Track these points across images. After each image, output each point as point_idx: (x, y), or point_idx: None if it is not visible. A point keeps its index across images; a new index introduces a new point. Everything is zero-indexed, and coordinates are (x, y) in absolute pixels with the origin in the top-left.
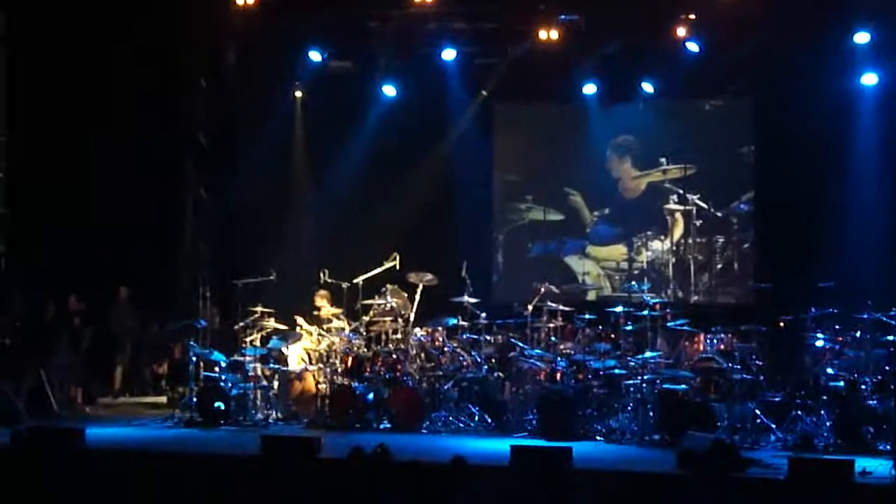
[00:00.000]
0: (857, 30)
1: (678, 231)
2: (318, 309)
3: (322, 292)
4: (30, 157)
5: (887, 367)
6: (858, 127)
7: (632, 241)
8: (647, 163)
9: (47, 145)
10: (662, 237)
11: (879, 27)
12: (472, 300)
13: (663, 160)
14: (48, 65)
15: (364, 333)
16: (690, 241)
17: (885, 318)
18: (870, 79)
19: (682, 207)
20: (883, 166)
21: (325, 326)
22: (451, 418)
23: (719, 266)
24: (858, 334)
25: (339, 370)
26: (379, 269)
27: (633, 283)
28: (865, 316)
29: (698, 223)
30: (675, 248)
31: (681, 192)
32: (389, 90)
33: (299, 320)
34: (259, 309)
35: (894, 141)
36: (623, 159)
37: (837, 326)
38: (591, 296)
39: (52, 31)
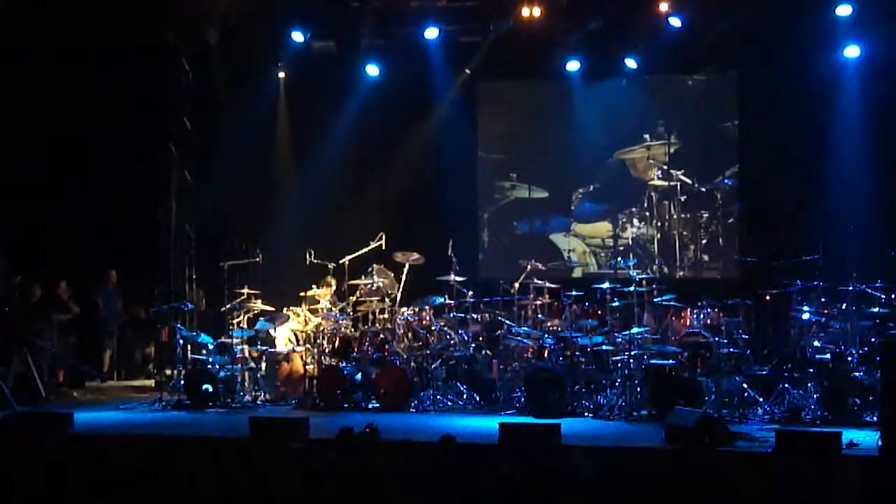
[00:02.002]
0: (838, 2)
1: (663, 207)
2: (303, 289)
3: (328, 279)
4: (12, 140)
5: (873, 339)
6: (841, 99)
7: (617, 217)
8: (631, 139)
9: (29, 129)
10: (647, 213)
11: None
12: (459, 279)
13: (647, 136)
14: (27, 46)
15: (351, 313)
16: (675, 216)
17: (869, 290)
18: (852, 51)
19: (666, 183)
20: (866, 138)
21: (311, 306)
22: (439, 397)
23: (704, 241)
24: (844, 306)
25: (327, 351)
26: (365, 249)
27: (619, 258)
28: (850, 288)
29: (682, 199)
30: (659, 223)
31: (665, 167)
32: (373, 70)
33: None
34: (245, 291)
35: (877, 113)
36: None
37: (823, 299)
38: (578, 273)
39: (33, 12)
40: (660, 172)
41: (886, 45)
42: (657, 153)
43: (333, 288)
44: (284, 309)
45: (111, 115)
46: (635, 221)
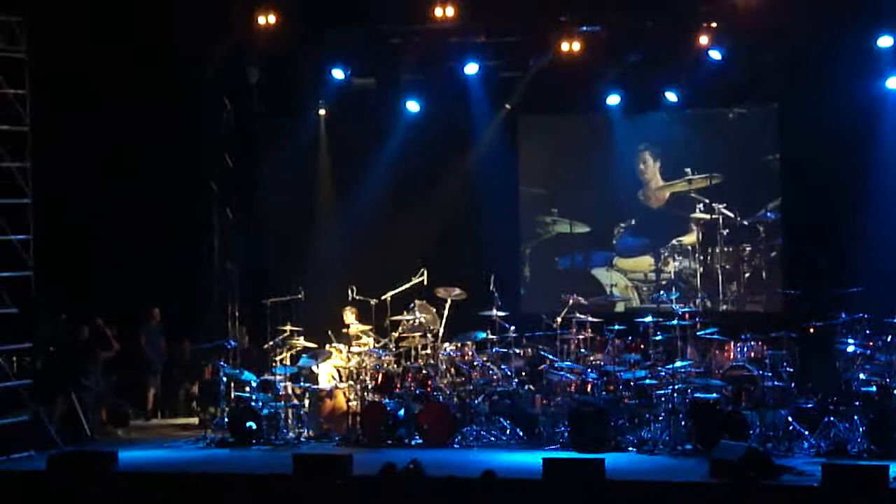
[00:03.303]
0: (880, 34)
1: (705, 241)
2: (347, 326)
3: (350, 308)
4: (57, 180)
5: None
6: (884, 130)
7: (659, 251)
8: (673, 172)
9: (74, 169)
10: (690, 247)
11: None
12: (501, 314)
13: (688, 170)
14: (73, 88)
15: (393, 349)
16: (717, 250)
17: None
18: (894, 82)
19: (708, 217)
20: None
21: (354, 343)
22: (482, 432)
23: (747, 274)
24: (889, 338)
25: (370, 387)
26: (407, 285)
27: (662, 292)
28: (895, 320)
29: (725, 232)
30: (702, 257)
31: (707, 201)
32: (413, 106)
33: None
34: (288, 327)
35: None
36: (650, 165)
37: (868, 331)
38: (620, 307)
39: (77, 52)
40: (702, 206)
41: None
42: (699, 186)
43: (356, 312)
44: (327, 345)
45: (153, 153)
46: (677, 255)
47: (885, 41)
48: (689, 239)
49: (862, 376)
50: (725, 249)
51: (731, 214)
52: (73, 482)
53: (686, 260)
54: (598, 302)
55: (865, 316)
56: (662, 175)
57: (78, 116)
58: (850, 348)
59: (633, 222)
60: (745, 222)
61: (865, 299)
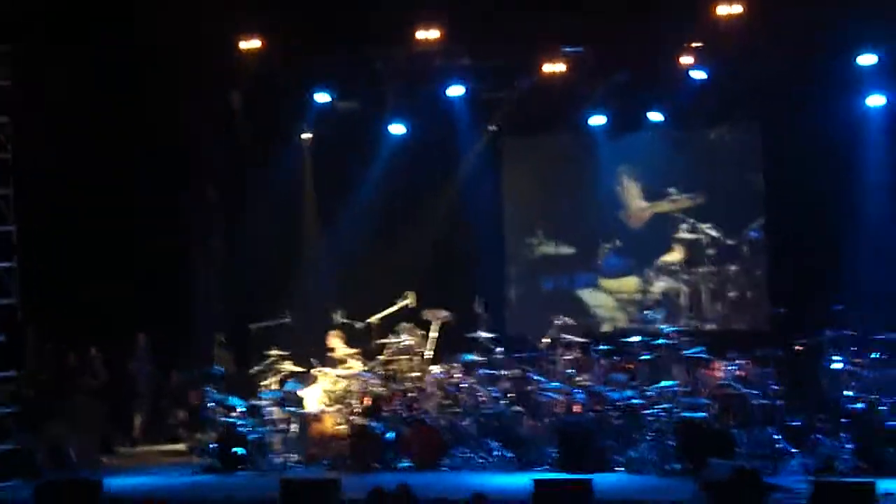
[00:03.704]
0: (861, 51)
1: (690, 260)
2: (333, 350)
3: (335, 332)
4: (41, 208)
5: None
6: (867, 148)
7: (644, 271)
8: (656, 192)
9: (58, 197)
10: (674, 267)
11: (884, 48)
12: (488, 335)
13: (672, 190)
14: (56, 115)
15: (381, 372)
16: (703, 269)
17: None
18: (876, 100)
19: (693, 236)
20: (891, 186)
21: (340, 367)
22: (471, 454)
23: (732, 293)
24: (876, 355)
25: (357, 410)
26: (393, 308)
27: (648, 312)
28: (882, 337)
29: (710, 251)
30: (687, 277)
31: (691, 221)
32: (397, 128)
33: (314, 362)
34: (274, 352)
35: None
36: (632, 185)
37: (854, 348)
38: (607, 327)
39: (60, 79)
40: (686, 225)
41: None
42: (683, 206)
43: (342, 336)
44: (313, 369)
45: (137, 181)
46: (663, 275)
47: (865, 59)
48: (674, 258)
49: (849, 393)
50: (710, 269)
51: (716, 234)
52: None
53: (671, 279)
54: (585, 322)
55: (851, 333)
56: (644, 195)
57: (61, 144)
58: (837, 365)
59: (618, 243)
60: (730, 241)
61: (851, 316)
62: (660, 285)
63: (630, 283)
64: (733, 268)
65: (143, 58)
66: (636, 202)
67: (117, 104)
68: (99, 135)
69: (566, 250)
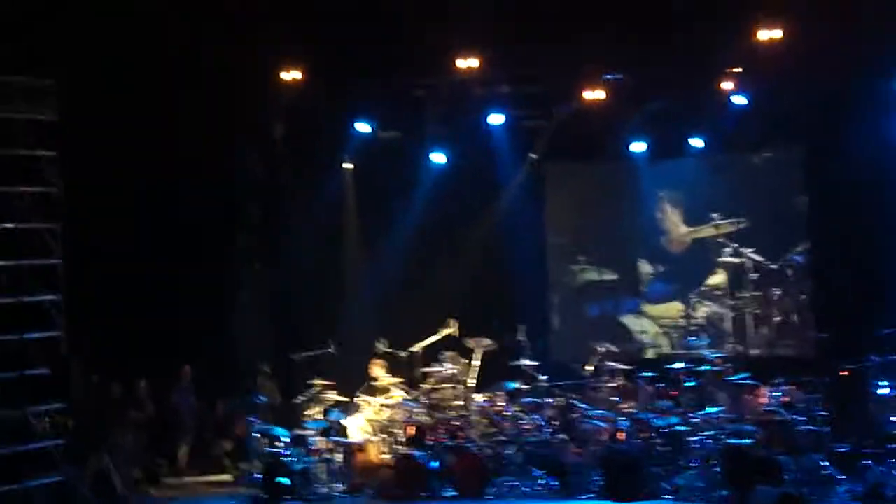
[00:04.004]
0: None
1: (734, 285)
2: (375, 379)
3: (378, 361)
4: (87, 241)
5: None
6: None
7: (688, 297)
8: (699, 218)
9: (104, 229)
10: (719, 292)
11: None
12: (531, 363)
13: (715, 215)
14: (103, 149)
15: (425, 401)
16: (747, 294)
17: None
18: None
19: (737, 261)
20: None
21: (382, 395)
22: (515, 483)
23: (777, 318)
24: None
25: (401, 439)
26: (436, 336)
27: (692, 338)
28: None
29: (754, 276)
30: (731, 302)
31: (735, 245)
32: (439, 157)
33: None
34: (318, 381)
35: None
36: (674, 211)
37: None
38: (650, 354)
39: (107, 112)
40: (730, 250)
41: None
42: (726, 231)
43: (385, 365)
44: (355, 398)
45: (181, 212)
46: (707, 300)
47: None
48: (718, 283)
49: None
50: (755, 294)
51: (760, 258)
52: None
53: (715, 305)
54: (629, 349)
55: None
56: (687, 220)
57: (108, 176)
58: (884, 391)
59: (662, 269)
60: (774, 266)
61: None
62: (703, 311)
63: (674, 308)
64: (777, 292)
65: (187, 88)
66: (678, 228)
67: (163, 136)
68: (144, 167)
69: (609, 276)
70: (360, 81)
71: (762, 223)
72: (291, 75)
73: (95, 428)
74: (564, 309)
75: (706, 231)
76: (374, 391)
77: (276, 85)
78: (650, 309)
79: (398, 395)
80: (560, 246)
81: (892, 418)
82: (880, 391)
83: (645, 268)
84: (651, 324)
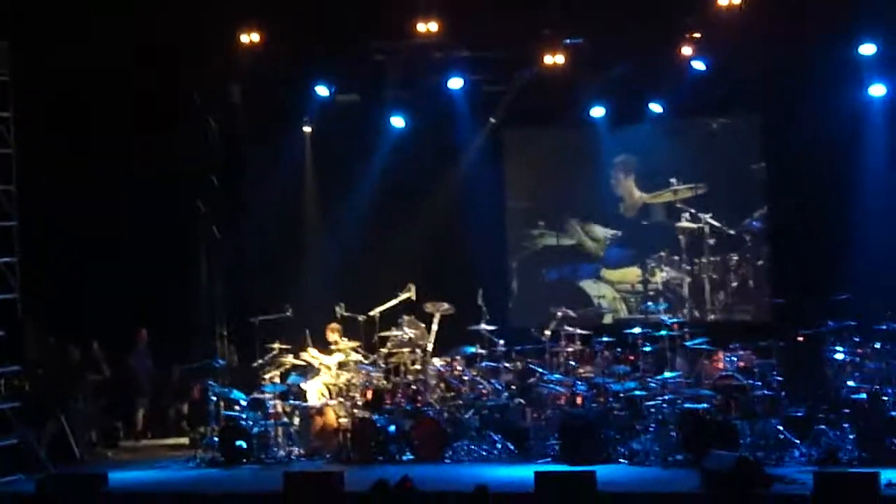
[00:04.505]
0: (862, 41)
1: (692, 250)
2: (332, 343)
3: (333, 325)
4: (42, 203)
5: None
6: (868, 138)
7: (645, 262)
8: (658, 183)
9: (59, 192)
10: (676, 257)
11: (885, 37)
12: (489, 328)
13: (674, 180)
14: (59, 110)
15: (383, 366)
16: (704, 259)
17: None
18: (878, 90)
19: (694, 226)
20: (892, 175)
21: (342, 360)
22: (473, 447)
23: (734, 284)
24: (878, 345)
25: (360, 403)
26: (395, 301)
27: (650, 303)
28: (884, 327)
29: (711, 242)
30: (689, 267)
31: (693, 211)
32: (398, 121)
33: (313, 353)
34: (277, 346)
35: None
36: (627, 177)
37: (856, 339)
38: (608, 319)
39: (63, 74)
40: (688, 216)
41: None
42: (684, 196)
43: (340, 330)
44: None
45: (139, 175)
46: (664, 266)
47: (867, 48)
48: (676, 249)
49: (851, 384)
50: (712, 259)
51: (718, 224)
52: (63, 503)
53: (673, 270)
54: (587, 314)
55: (853, 323)
56: (642, 186)
57: (62, 137)
58: (839, 356)
59: (620, 234)
60: (732, 231)
61: (853, 307)
62: (661, 276)
63: (632, 273)
64: (735, 258)
65: (143, 51)
66: (632, 195)
67: (118, 97)
68: (100, 129)
69: (568, 241)
70: (318, 45)
71: (720, 189)
72: (251, 38)
73: (52, 391)
74: (523, 273)
75: (664, 196)
76: (331, 353)
77: (234, 48)
78: (608, 274)
79: (356, 358)
80: (519, 211)
81: (846, 383)
82: (836, 356)
83: (603, 232)
84: (609, 289)
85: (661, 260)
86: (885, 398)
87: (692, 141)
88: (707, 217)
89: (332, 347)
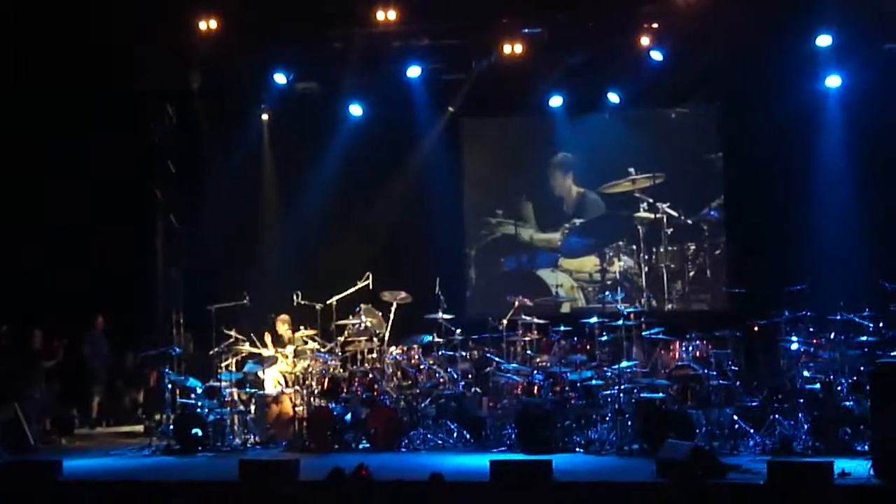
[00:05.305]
0: (819, 32)
1: (650, 240)
2: (282, 335)
3: (283, 317)
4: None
5: (862, 368)
6: (824, 129)
7: (604, 251)
8: (614, 173)
9: (14, 178)
10: (634, 247)
11: (841, 29)
12: (447, 316)
13: (632, 169)
14: (10, 97)
15: (340, 354)
16: (662, 249)
17: (857, 319)
18: (833, 81)
19: (652, 216)
20: (849, 167)
21: (299, 348)
22: (429, 436)
23: (692, 273)
24: (832, 336)
25: (316, 392)
26: (352, 289)
27: (607, 293)
28: (838, 317)
29: (669, 231)
30: (647, 256)
31: (651, 200)
32: (356, 109)
33: (267, 339)
34: (233, 333)
35: (859, 141)
36: (566, 176)
37: (811, 329)
38: (566, 308)
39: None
40: (646, 205)
41: (867, 74)
42: (642, 186)
43: (289, 321)
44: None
45: (95, 162)
46: (622, 255)
47: (823, 40)
48: (634, 238)
49: (806, 373)
50: (670, 248)
51: (675, 213)
52: (17, 492)
53: (630, 259)
54: (545, 303)
55: (809, 314)
56: (578, 182)
57: (19, 122)
58: (794, 346)
59: (578, 223)
60: (689, 221)
61: (809, 297)
62: (619, 265)
63: (589, 262)
64: (693, 247)
65: (102, 39)
66: (570, 193)
67: (74, 84)
68: (55, 116)
69: (526, 230)
70: (277, 32)
71: (678, 178)
72: (208, 24)
73: (5, 378)
74: (481, 262)
75: (623, 186)
76: (282, 345)
77: (192, 35)
78: (566, 263)
79: (313, 347)
80: (477, 199)
81: (801, 373)
82: (791, 346)
83: (561, 222)
84: (567, 278)
85: (618, 249)
86: (839, 388)
87: (651, 130)
88: (665, 206)
89: (283, 340)
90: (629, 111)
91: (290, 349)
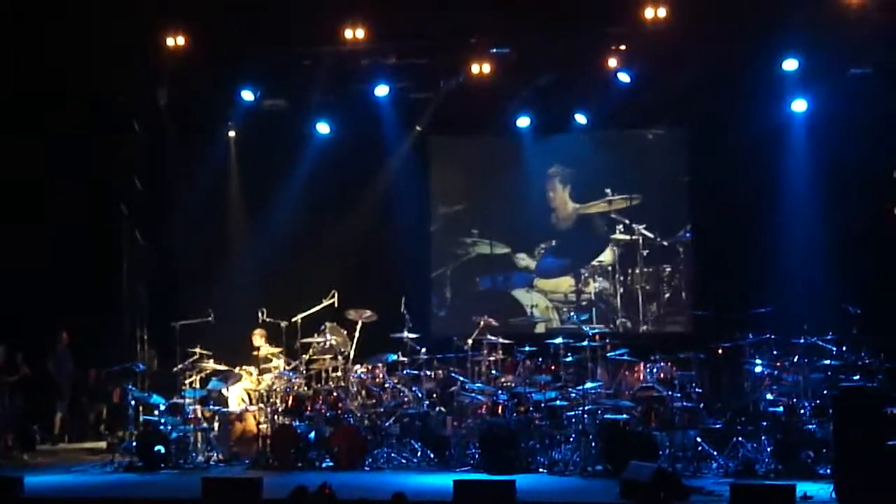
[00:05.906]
0: (785, 57)
1: (625, 261)
2: (257, 348)
3: (259, 331)
4: None
5: (825, 392)
6: (790, 152)
7: (579, 272)
8: (590, 194)
9: None
10: (609, 268)
11: (807, 54)
12: (412, 335)
13: (608, 190)
14: None
15: (304, 372)
16: (637, 270)
17: (821, 343)
18: (799, 105)
19: (628, 237)
20: (814, 190)
21: (263, 366)
22: (393, 454)
23: (667, 295)
24: (796, 359)
25: (280, 409)
26: (317, 307)
27: (572, 313)
28: (802, 341)
29: (645, 252)
30: (622, 278)
31: (627, 221)
32: (323, 128)
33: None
34: (198, 350)
35: (825, 165)
36: (564, 188)
37: (775, 352)
38: (541, 328)
39: None
40: (622, 226)
41: (832, 99)
42: (619, 207)
43: (265, 335)
44: (237, 368)
45: (62, 177)
46: (598, 276)
47: (790, 64)
48: (609, 259)
49: (769, 396)
50: (645, 270)
51: (651, 235)
52: None
53: (606, 281)
54: (519, 324)
55: (773, 336)
56: (578, 196)
57: None
58: (758, 369)
59: (554, 243)
60: (665, 242)
61: (773, 320)
62: (594, 286)
63: (565, 283)
64: (668, 269)
65: (70, 55)
66: (566, 206)
67: (43, 101)
68: (23, 131)
69: (501, 250)
70: (245, 49)
71: (654, 200)
72: (176, 41)
73: None
74: (456, 281)
75: (599, 206)
76: (254, 361)
77: (159, 51)
78: (541, 283)
79: (278, 364)
80: (451, 217)
81: (764, 396)
82: (755, 369)
83: (537, 242)
84: (542, 298)
85: (594, 270)
86: (802, 411)
87: (626, 151)
88: (641, 228)
89: (256, 354)
90: (598, 132)
91: (277, 362)
